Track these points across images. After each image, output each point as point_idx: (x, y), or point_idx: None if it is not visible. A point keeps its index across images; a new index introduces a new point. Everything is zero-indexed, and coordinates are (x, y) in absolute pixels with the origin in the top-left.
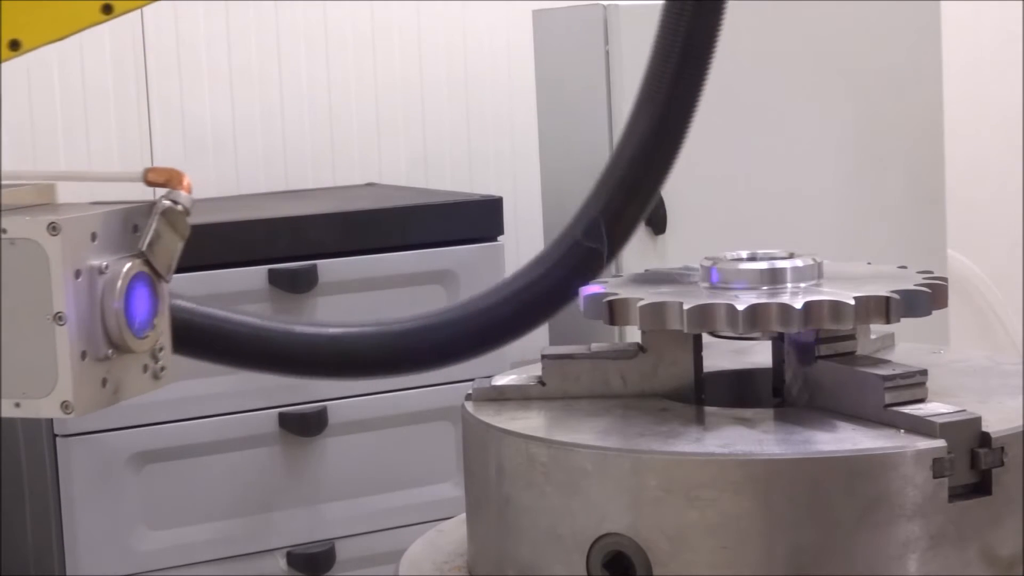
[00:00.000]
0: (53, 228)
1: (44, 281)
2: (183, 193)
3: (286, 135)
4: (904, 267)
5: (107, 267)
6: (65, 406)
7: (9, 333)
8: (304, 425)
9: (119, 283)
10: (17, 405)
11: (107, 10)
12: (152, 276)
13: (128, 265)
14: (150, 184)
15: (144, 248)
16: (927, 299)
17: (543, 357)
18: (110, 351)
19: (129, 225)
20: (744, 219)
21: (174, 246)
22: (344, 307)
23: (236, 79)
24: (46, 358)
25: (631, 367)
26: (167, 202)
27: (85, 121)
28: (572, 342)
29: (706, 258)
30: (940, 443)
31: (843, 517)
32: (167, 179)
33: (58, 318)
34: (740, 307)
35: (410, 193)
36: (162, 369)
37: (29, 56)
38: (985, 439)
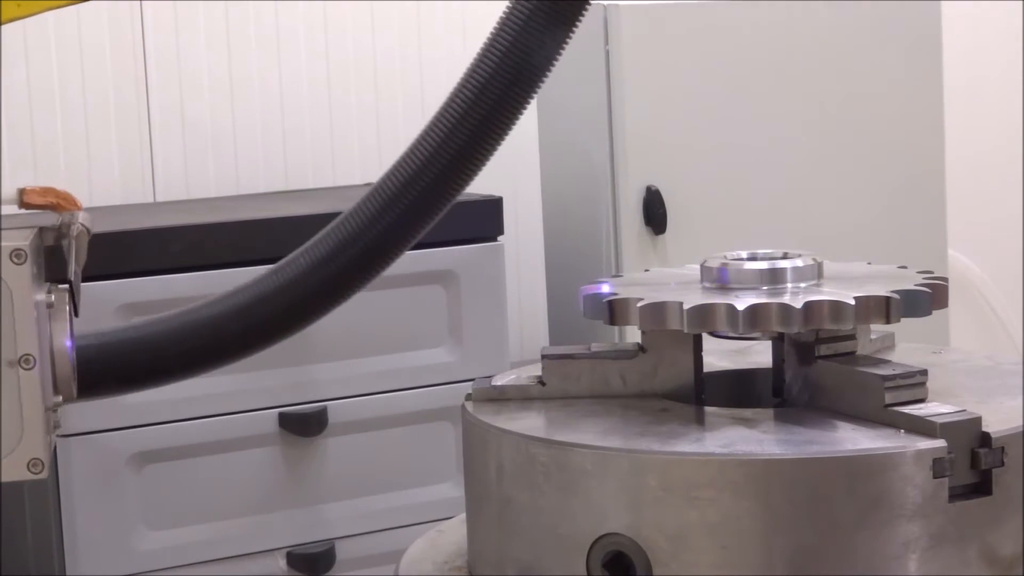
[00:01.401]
0: (17, 255)
1: (5, 320)
2: (82, 214)
3: (286, 135)
4: (904, 267)
5: (54, 300)
6: (34, 465)
7: None
8: (304, 425)
9: (67, 320)
10: None
11: None
12: (71, 308)
13: (66, 298)
14: (28, 207)
15: (72, 278)
16: (927, 299)
17: (543, 357)
18: (59, 398)
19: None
20: (744, 219)
21: (80, 273)
22: (343, 306)
23: (236, 79)
24: (7, 410)
25: (631, 367)
26: (81, 226)
27: (85, 122)
28: (572, 342)
29: (706, 258)
30: (940, 443)
31: (843, 517)
32: (55, 201)
33: (24, 362)
34: (740, 307)
35: None
36: (59, 418)
37: (29, 59)
38: (985, 439)
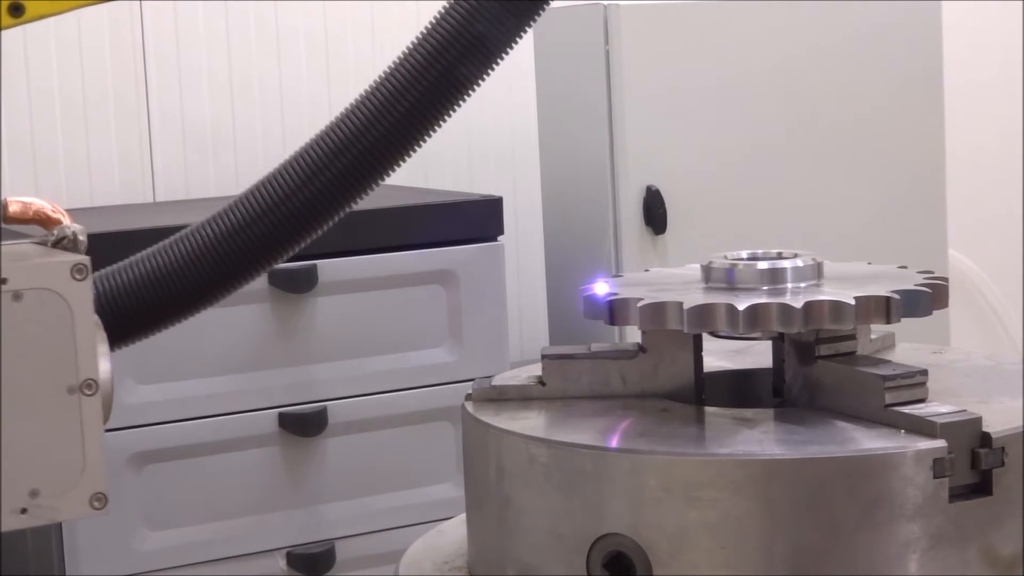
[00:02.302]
0: (79, 271)
1: (65, 342)
2: (75, 225)
3: (286, 135)
4: (904, 267)
5: (99, 320)
6: (97, 500)
7: (12, 415)
8: (304, 425)
9: (106, 341)
10: (24, 511)
11: (16, 11)
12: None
13: (98, 318)
14: (11, 221)
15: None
16: (928, 299)
17: (543, 357)
18: (104, 424)
19: None
20: (744, 219)
21: None
22: (344, 307)
23: (236, 79)
24: (68, 441)
25: (631, 367)
26: (82, 238)
27: (85, 123)
28: (572, 342)
29: (707, 258)
30: (940, 443)
31: (843, 517)
32: (42, 216)
33: (86, 387)
34: (740, 307)
35: (410, 193)
36: None
37: (29, 58)
38: (986, 439)
